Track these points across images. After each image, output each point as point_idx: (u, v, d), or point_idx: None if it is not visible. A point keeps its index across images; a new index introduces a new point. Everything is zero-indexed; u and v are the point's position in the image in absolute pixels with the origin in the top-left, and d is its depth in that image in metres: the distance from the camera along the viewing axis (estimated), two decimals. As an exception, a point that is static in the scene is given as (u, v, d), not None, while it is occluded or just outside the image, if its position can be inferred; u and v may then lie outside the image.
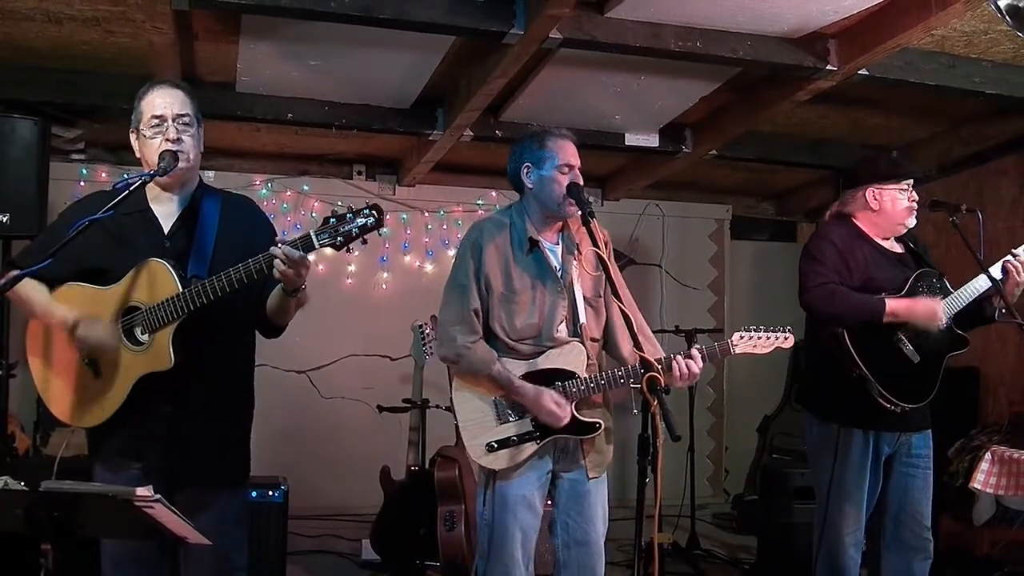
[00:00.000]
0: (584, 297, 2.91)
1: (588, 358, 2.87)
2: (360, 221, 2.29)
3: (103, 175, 5.48)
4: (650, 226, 6.73)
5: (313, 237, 2.29)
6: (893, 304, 3.12)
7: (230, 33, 3.80)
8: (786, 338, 2.84)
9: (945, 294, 3.20)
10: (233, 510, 2.62)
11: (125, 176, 2.55)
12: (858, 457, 3.20)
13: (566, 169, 2.84)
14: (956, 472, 4.37)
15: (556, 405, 2.76)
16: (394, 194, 6.18)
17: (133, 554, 2.46)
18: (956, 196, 3.87)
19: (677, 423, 2.30)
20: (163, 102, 2.46)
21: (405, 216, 6.16)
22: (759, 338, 2.82)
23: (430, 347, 4.45)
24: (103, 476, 2.50)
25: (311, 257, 2.34)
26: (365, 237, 2.31)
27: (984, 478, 3.93)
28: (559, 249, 2.92)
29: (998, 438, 4.32)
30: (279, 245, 2.28)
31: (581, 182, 2.85)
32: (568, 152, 2.86)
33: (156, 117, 2.45)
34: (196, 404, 2.47)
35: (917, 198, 3.28)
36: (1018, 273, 3.16)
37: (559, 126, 2.97)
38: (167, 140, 2.43)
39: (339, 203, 5.96)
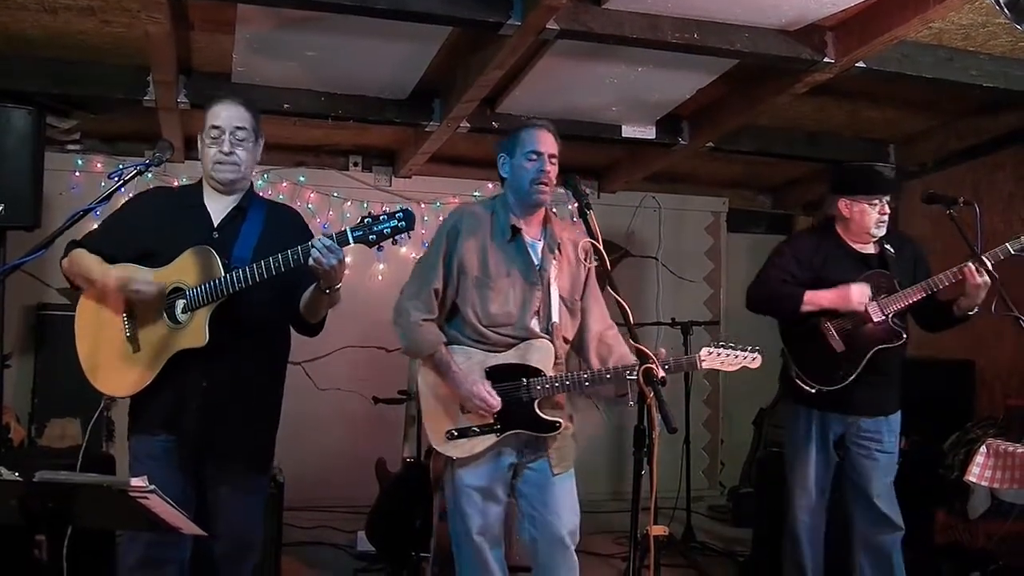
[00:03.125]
0: (560, 297, 2.91)
1: (556, 357, 2.87)
2: (392, 223, 2.47)
3: (98, 166, 5.43)
4: (646, 218, 6.72)
5: (348, 232, 2.48)
6: (810, 295, 3.42)
7: (226, 23, 3.78)
8: (754, 358, 2.85)
9: (890, 293, 3.44)
10: (258, 490, 2.87)
11: (120, 166, 2.62)
12: (802, 433, 3.59)
13: (533, 156, 2.85)
14: (951, 465, 4.38)
15: (487, 395, 2.78)
16: (390, 185, 6.16)
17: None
18: (953, 190, 3.87)
19: (673, 415, 2.30)
20: (224, 114, 2.70)
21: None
22: (727, 355, 2.82)
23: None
24: (139, 445, 2.69)
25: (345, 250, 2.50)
26: (396, 238, 2.49)
27: (979, 471, 3.92)
28: (540, 245, 2.93)
29: (993, 431, 4.32)
30: (318, 238, 2.46)
31: (549, 168, 2.84)
32: (538, 139, 2.86)
33: (215, 128, 2.69)
34: (227, 382, 2.66)
35: (888, 210, 3.48)
36: (972, 276, 3.28)
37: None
38: (220, 152, 2.68)
39: (335, 194, 5.97)
